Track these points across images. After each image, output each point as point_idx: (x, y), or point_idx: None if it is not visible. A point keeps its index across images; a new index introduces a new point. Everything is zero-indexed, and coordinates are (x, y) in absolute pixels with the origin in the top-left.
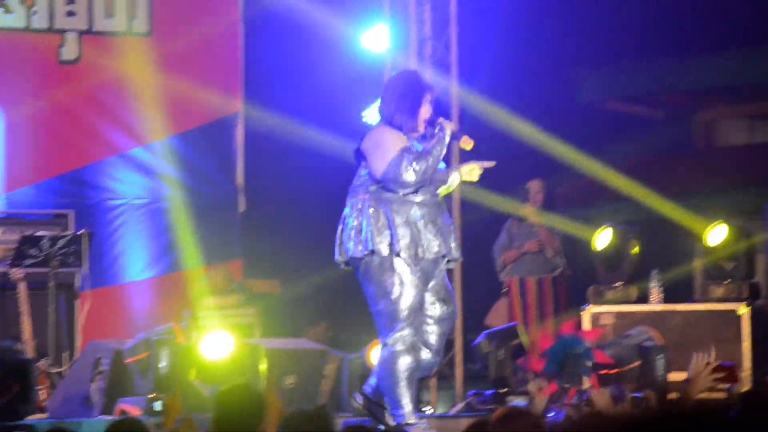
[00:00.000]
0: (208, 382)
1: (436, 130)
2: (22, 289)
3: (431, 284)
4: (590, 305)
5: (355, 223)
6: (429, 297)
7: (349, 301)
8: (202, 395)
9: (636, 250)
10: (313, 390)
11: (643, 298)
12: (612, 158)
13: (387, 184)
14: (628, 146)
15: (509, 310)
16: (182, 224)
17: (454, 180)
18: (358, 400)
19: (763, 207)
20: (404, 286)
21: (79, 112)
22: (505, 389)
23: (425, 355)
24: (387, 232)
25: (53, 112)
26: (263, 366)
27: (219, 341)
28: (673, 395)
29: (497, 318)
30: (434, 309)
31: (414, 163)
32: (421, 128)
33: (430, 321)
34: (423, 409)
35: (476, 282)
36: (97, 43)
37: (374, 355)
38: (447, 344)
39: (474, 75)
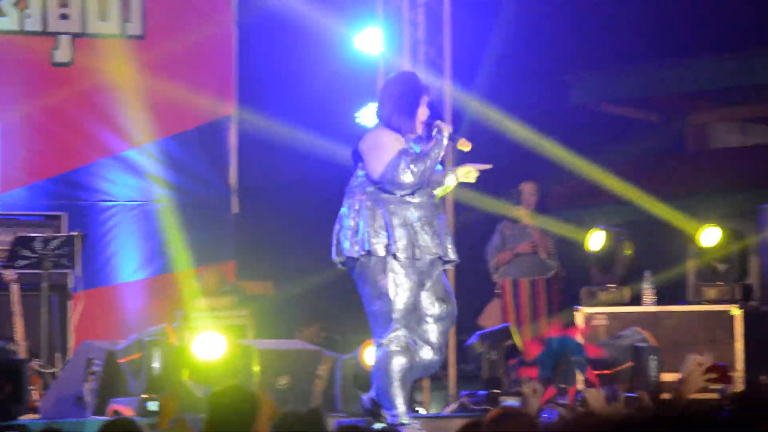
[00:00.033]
0: (201, 383)
1: (434, 133)
2: (15, 290)
3: (428, 285)
4: (583, 306)
5: (352, 223)
6: (427, 297)
7: (342, 303)
8: (195, 396)
9: (629, 251)
10: (306, 391)
11: (636, 300)
12: (605, 160)
13: (384, 185)
14: (622, 148)
15: (502, 311)
16: (175, 226)
17: (450, 182)
18: (367, 405)
19: (756, 209)
20: (399, 287)
21: (73, 114)
22: (498, 390)
23: (427, 353)
24: (384, 233)
25: (47, 114)
26: (256, 367)
27: (212, 342)
28: (666, 396)
29: (490, 319)
30: (433, 308)
31: (412, 165)
32: (419, 129)
33: (429, 320)
34: (416, 409)
35: (470, 283)
36: (91, 46)
37: (367, 355)
38: None
39: (467, 77)
